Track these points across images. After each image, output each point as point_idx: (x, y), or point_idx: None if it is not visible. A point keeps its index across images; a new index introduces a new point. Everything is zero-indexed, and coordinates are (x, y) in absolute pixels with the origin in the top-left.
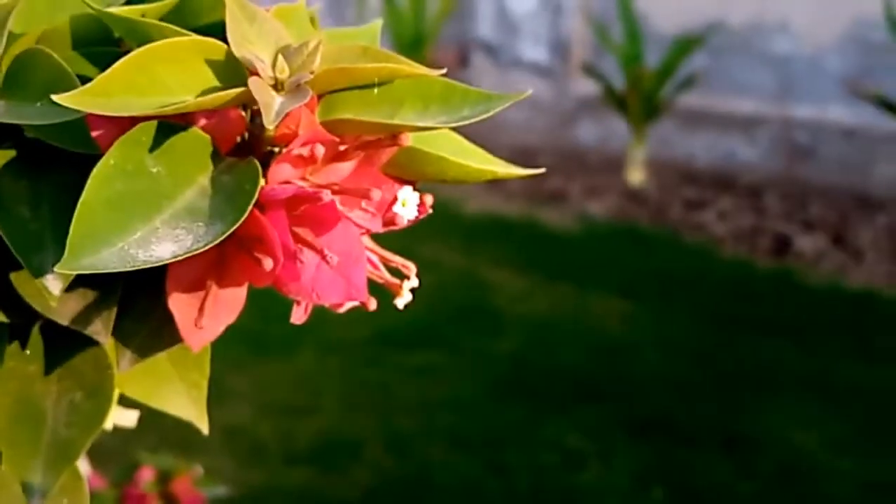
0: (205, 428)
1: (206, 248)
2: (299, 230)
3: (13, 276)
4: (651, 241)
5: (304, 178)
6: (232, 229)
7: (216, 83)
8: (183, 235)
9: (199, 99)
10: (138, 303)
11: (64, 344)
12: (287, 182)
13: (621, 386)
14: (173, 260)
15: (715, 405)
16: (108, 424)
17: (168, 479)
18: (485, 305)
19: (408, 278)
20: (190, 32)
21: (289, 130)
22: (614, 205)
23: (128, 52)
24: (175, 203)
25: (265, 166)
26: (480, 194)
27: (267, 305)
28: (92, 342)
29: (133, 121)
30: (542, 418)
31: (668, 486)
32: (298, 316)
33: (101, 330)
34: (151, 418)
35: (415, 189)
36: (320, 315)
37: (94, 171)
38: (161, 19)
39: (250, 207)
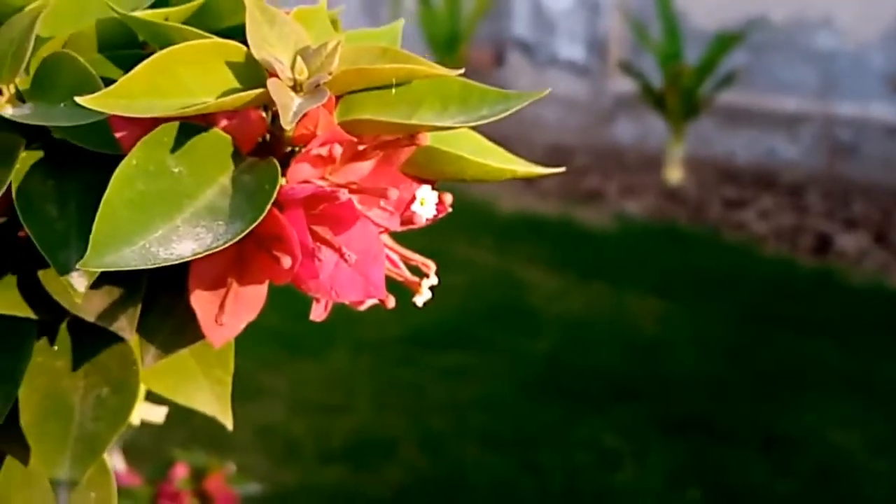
0: (229, 424)
1: (226, 245)
2: (318, 229)
3: (41, 274)
4: (689, 240)
5: (323, 178)
6: (251, 227)
7: (236, 85)
8: (203, 234)
9: (219, 100)
10: (162, 299)
11: (90, 340)
12: (306, 181)
13: (657, 385)
14: (193, 258)
15: (752, 404)
16: (136, 420)
17: (201, 476)
18: (519, 305)
19: (427, 276)
20: (211, 35)
21: (307, 131)
22: (652, 204)
23: (152, 54)
24: (196, 202)
25: (285, 166)
26: (514, 193)
27: (300, 305)
28: (118, 338)
29: (155, 122)
30: (577, 418)
31: (704, 485)
32: (318, 313)
33: (125, 326)
34: (184, 416)
35: (434, 188)
36: (352, 315)
37: (117, 171)
38: (184, 22)
39: (269, 206)
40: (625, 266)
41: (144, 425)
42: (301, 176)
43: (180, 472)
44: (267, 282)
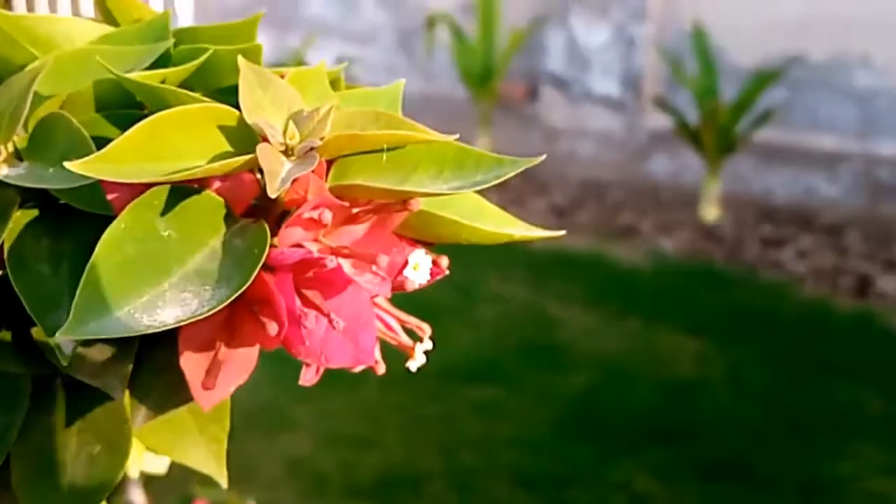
0: (224, 482)
1: (211, 312)
2: (308, 293)
3: (34, 330)
4: (726, 278)
5: (316, 240)
6: (236, 294)
7: (228, 149)
8: (189, 299)
9: (209, 165)
10: (154, 357)
11: (84, 396)
12: (298, 245)
13: (692, 427)
14: (177, 325)
15: (790, 449)
16: (134, 473)
17: None
18: (551, 341)
19: (421, 340)
20: (206, 98)
21: (298, 195)
22: (687, 241)
23: (149, 114)
24: (185, 266)
25: (279, 226)
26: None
27: None
28: (110, 395)
29: (148, 185)
30: (610, 458)
31: None
32: (309, 378)
33: (116, 385)
34: None
35: (429, 251)
36: (383, 348)
37: (105, 235)
38: (183, 82)
39: (256, 272)
40: (659, 304)
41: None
42: (293, 239)
43: None
44: (257, 346)
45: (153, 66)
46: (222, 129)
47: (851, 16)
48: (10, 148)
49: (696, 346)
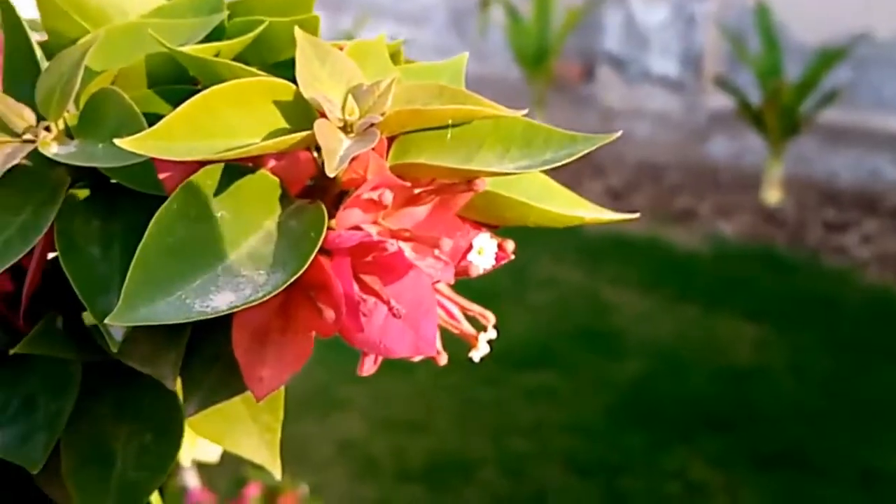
0: (278, 473)
1: (265, 298)
2: (367, 278)
3: (85, 315)
4: (787, 263)
5: (375, 223)
6: (292, 279)
7: (284, 125)
8: (243, 284)
9: (264, 143)
10: (207, 345)
11: (135, 384)
12: (356, 227)
13: (750, 415)
14: (229, 311)
15: (851, 438)
16: (187, 461)
17: (274, 495)
18: (605, 326)
19: (485, 329)
20: (261, 72)
21: (357, 175)
22: (748, 225)
23: (203, 89)
24: (239, 249)
25: (337, 208)
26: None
27: None
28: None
29: (201, 163)
30: (665, 446)
31: None
32: (368, 368)
33: (168, 374)
34: None
35: (493, 235)
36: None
37: (156, 216)
38: (239, 55)
39: (312, 256)
40: (718, 289)
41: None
42: (351, 221)
43: (253, 491)
44: (313, 334)
45: (207, 39)
46: (278, 104)
47: None
48: (61, 125)
49: (756, 333)
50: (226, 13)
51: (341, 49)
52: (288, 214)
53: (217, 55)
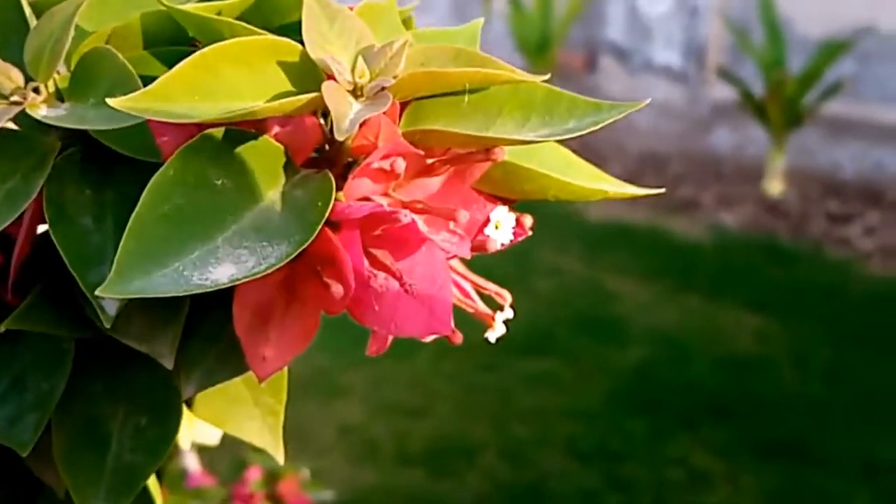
0: (280, 458)
1: (269, 271)
2: (378, 252)
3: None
4: (789, 254)
5: (386, 194)
6: (299, 251)
7: (289, 88)
8: (245, 256)
9: (268, 104)
10: (207, 323)
11: (131, 363)
12: (366, 199)
13: (752, 404)
14: (230, 284)
15: (853, 429)
16: (186, 444)
17: (275, 479)
18: (608, 314)
19: (502, 309)
20: (264, 32)
21: (367, 142)
22: (750, 216)
23: None
24: (240, 220)
25: (344, 180)
26: (604, 201)
27: None
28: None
29: (200, 127)
30: (666, 434)
31: None
32: (377, 347)
33: (165, 352)
34: None
35: (511, 209)
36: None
37: (151, 183)
38: (239, 17)
39: (319, 227)
40: (720, 279)
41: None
42: (360, 192)
43: (254, 474)
44: (320, 311)
45: None
46: (283, 65)
47: None
48: (52, 88)
49: (758, 323)
50: None
51: (351, 9)
52: (293, 184)
53: (219, 14)
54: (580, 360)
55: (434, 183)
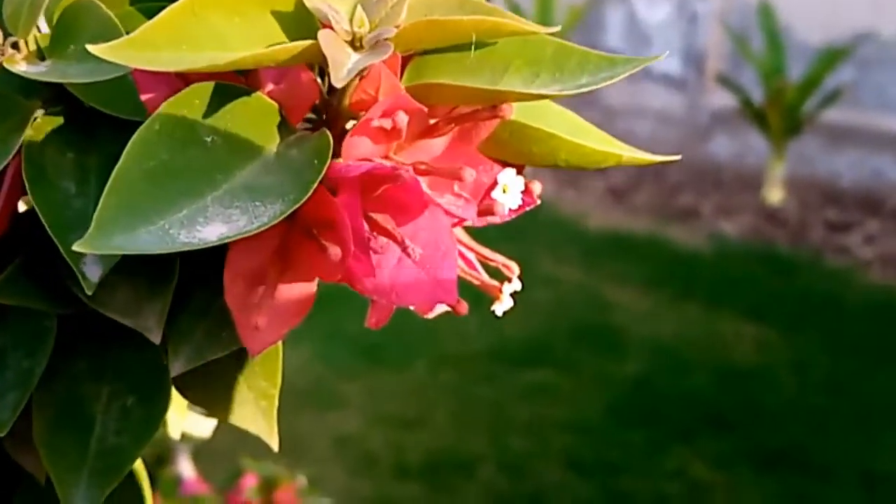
0: (275, 444)
1: (261, 230)
2: (378, 217)
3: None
4: (789, 263)
5: (387, 157)
6: (292, 209)
7: (283, 38)
8: (237, 216)
9: (259, 52)
10: (196, 296)
11: (116, 339)
12: (365, 160)
13: (751, 415)
14: (220, 243)
15: (854, 438)
16: (176, 433)
17: (272, 487)
18: (606, 324)
19: (509, 280)
20: None
21: (367, 96)
22: (750, 224)
23: None
24: (232, 179)
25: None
26: (603, 209)
27: None
28: (147, 340)
29: (187, 82)
30: (665, 445)
31: None
32: (376, 319)
33: (152, 326)
34: None
35: (519, 173)
36: (434, 327)
37: (135, 136)
38: None
39: (316, 185)
40: (719, 288)
41: (221, 428)
42: (359, 152)
43: (250, 481)
44: (316, 280)
45: None
46: (276, 14)
47: None
48: (32, 45)
49: (758, 333)
50: None
51: None
52: (288, 143)
53: None
54: (578, 370)
55: (438, 144)
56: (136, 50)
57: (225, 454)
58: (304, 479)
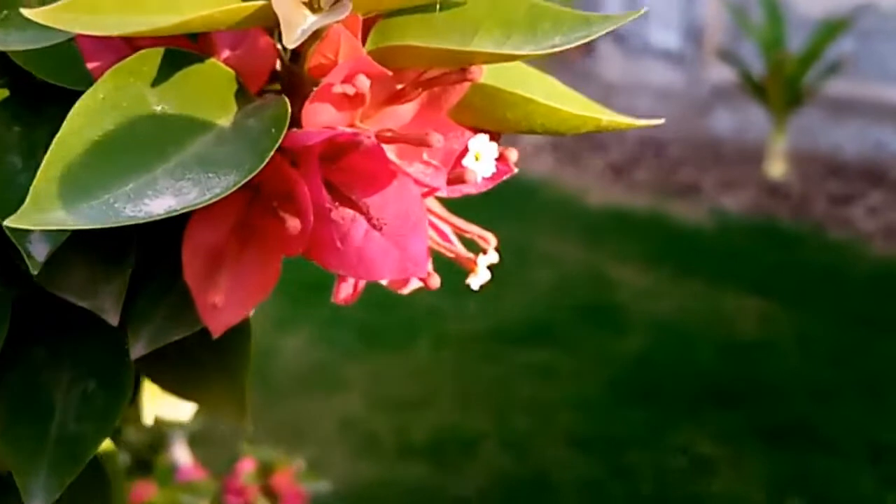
0: (248, 426)
1: (213, 201)
2: (343, 188)
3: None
4: (791, 237)
5: (352, 125)
6: (247, 179)
7: (235, 1)
8: (188, 188)
9: (208, 13)
10: (156, 276)
11: (75, 323)
12: (327, 128)
13: (756, 389)
14: (167, 216)
15: (858, 411)
16: (149, 418)
17: (269, 471)
18: (608, 302)
19: (485, 252)
20: None
21: (327, 60)
22: (751, 199)
23: None
24: (184, 150)
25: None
26: (603, 186)
27: (382, 295)
28: (108, 323)
29: (135, 49)
30: (669, 421)
31: (807, 496)
32: (344, 295)
33: (109, 307)
34: (265, 404)
35: (493, 140)
36: (436, 308)
37: (76, 105)
38: None
39: (272, 153)
40: (722, 263)
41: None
42: (321, 120)
43: (247, 466)
44: (280, 257)
45: None
46: None
47: None
48: None
49: (761, 307)
50: None
51: None
52: (245, 112)
53: None
54: (580, 348)
55: (406, 111)
56: (75, 13)
57: (224, 442)
58: (303, 463)
